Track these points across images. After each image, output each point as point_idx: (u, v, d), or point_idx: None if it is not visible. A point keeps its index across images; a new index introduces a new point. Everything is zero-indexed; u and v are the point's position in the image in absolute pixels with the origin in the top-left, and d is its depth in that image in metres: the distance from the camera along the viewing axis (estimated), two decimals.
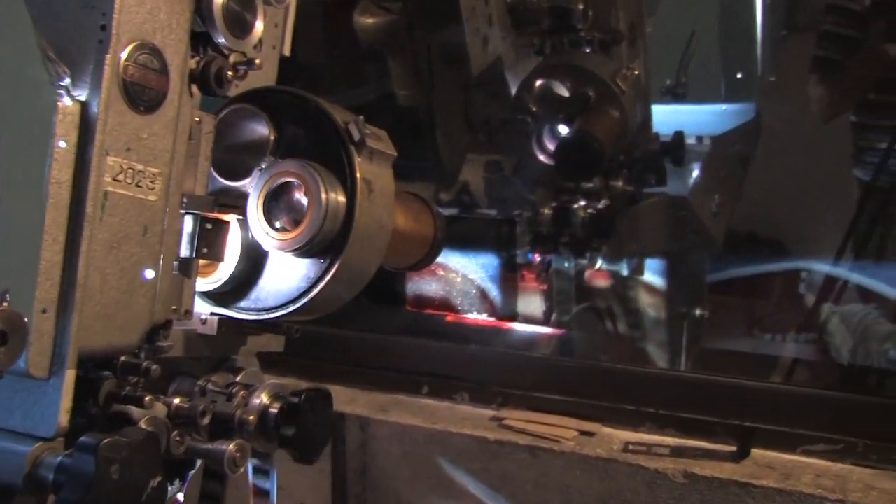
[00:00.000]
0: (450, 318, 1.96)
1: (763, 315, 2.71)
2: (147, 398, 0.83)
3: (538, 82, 1.88)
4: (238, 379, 1.00)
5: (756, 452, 1.48)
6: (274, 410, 0.94)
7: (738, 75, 2.87)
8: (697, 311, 2.47)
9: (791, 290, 2.72)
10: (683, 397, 1.60)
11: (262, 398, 0.95)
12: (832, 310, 2.40)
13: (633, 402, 1.61)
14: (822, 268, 2.54)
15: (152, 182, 0.85)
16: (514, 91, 1.95)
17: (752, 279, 2.71)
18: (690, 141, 2.35)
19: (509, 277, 1.95)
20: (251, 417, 0.93)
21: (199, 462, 0.97)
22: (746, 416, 1.54)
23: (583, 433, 1.56)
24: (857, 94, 2.33)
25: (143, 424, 0.84)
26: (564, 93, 1.87)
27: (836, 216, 2.50)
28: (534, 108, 1.90)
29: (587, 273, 2.20)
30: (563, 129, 1.87)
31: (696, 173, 2.38)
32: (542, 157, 1.92)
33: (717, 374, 1.69)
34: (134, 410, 0.84)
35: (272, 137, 0.99)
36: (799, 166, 2.63)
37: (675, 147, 2.10)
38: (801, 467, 1.44)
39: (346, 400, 1.72)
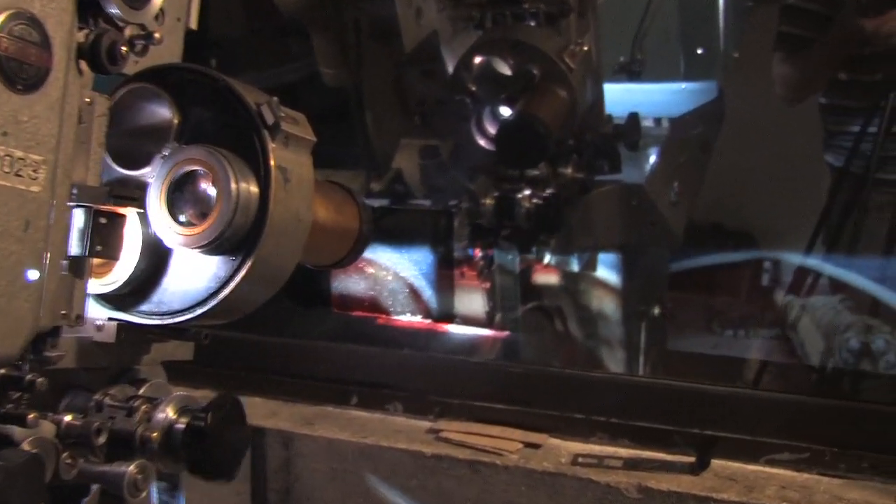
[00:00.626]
0: (381, 320, 1.97)
1: (728, 312, 2.78)
2: (31, 416, 0.82)
3: (477, 59, 1.89)
4: (141, 392, 1.00)
5: (716, 463, 1.51)
6: (181, 426, 0.94)
7: (699, 51, 2.92)
8: (656, 310, 2.52)
9: (758, 284, 2.79)
10: (638, 404, 1.63)
11: (167, 413, 0.95)
12: (800, 304, 2.47)
13: (583, 410, 1.64)
14: (792, 259, 2.61)
15: (35, 171, 0.84)
16: (450, 69, 1.96)
17: (716, 273, 2.78)
18: (646, 123, 2.39)
19: (447, 275, 1.96)
20: (154, 434, 0.93)
21: (94, 487, 0.96)
22: (706, 423, 1.57)
23: (528, 445, 1.58)
24: (826, 74, 2.39)
25: (25, 446, 0.83)
26: (506, 71, 1.89)
27: (807, 204, 2.57)
28: (473, 88, 1.91)
29: (534, 269, 2.22)
30: (506, 111, 1.88)
31: (652, 159, 2.42)
32: (482, 142, 1.93)
33: (676, 378, 1.73)
34: (16, 430, 0.83)
35: (176, 121, 0.98)
36: (766, 151, 2.69)
37: (630, 130, 2.13)
38: (764, 478, 1.47)
39: (267, 413, 1.71)
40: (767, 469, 1.51)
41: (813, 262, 2.51)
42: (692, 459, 1.52)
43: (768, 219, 2.77)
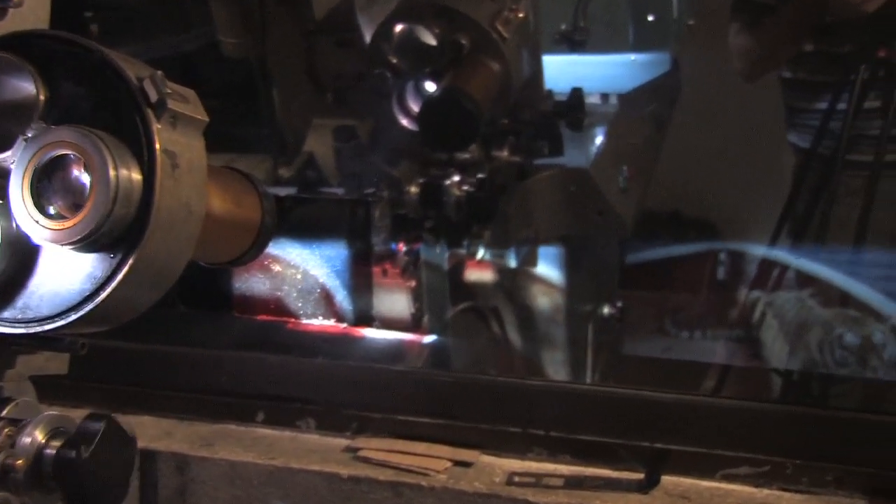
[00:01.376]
0: (290, 325, 1.97)
1: (685, 311, 2.83)
2: None
3: (398, 27, 1.90)
4: (4, 413, 0.98)
5: (668, 480, 1.55)
6: (51, 451, 0.93)
7: (650, 18, 2.96)
8: (605, 310, 2.55)
9: (718, 279, 2.84)
10: (581, 415, 1.66)
11: (35, 436, 0.94)
12: (765, 300, 2.53)
13: (520, 423, 1.66)
14: (756, 252, 2.67)
15: None
16: (368, 39, 1.96)
17: (672, 268, 2.82)
18: (592, 100, 2.42)
19: (365, 273, 1.96)
20: (20, 462, 0.92)
21: None
22: (657, 436, 1.61)
23: (457, 463, 1.60)
24: (789, 46, 2.45)
25: None
26: (431, 41, 1.89)
27: (771, 190, 2.63)
28: (393, 61, 1.92)
29: (465, 266, 2.23)
30: (431, 87, 1.89)
31: (599, 140, 2.44)
32: (405, 122, 1.94)
33: (625, 385, 1.77)
34: None
35: (41, 97, 0.97)
36: (726, 130, 2.74)
37: (573, 107, 2.15)
38: (720, 495, 1.51)
39: (158, 434, 1.70)
40: (724, 485, 1.55)
41: (779, 254, 2.58)
42: (641, 476, 1.56)
43: (729, 206, 2.82)
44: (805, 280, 2.51)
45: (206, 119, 1.02)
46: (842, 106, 2.38)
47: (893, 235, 2.43)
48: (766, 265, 2.64)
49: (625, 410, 1.67)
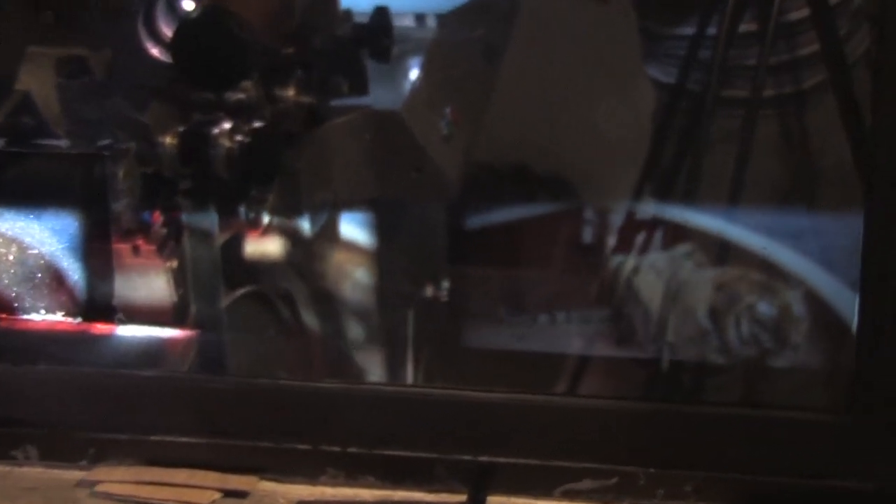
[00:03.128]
0: (1, 321, 1.92)
1: (535, 289, 2.86)
2: None
3: None
4: None
5: (495, 501, 1.59)
6: None
7: None
8: (431, 291, 2.57)
9: (576, 248, 2.89)
10: (389, 426, 1.69)
11: None
12: (632, 265, 2.60)
13: (311, 438, 1.68)
14: (619, 209, 2.73)
15: None
16: None
17: (516, 236, 2.85)
18: (404, 22, 2.43)
19: (105, 250, 1.92)
20: None
21: None
22: (483, 447, 1.64)
23: (229, 494, 1.61)
24: None
25: None
26: None
27: (633, 134, 2.68)
28: None
29: (245, 239, 2.21)
30: (187, 4, 1.87)
31: (414, 74, 2.45)
32: (155, 51, 1.91)
33: (444, 385, 1.79)
34: None
35: None
36: (575, 61, 2.78)
37: (378, 32, 2.16)
38: None
39: None
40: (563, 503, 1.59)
41: (649, 210, 2.65)
42: (462, 498, 1.59)
43: (582, 155, 2.87)
44: (685, 238, 2.58)
45: None
46: (711, 31, 2.46)
47: (777, 186, 2.53)
48: (631, 224, 2.71)
49: (443, 417, 1.70)
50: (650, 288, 2.56)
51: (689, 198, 2.52)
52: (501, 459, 1.63)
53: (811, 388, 2.35)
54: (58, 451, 1.66)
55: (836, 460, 1.60)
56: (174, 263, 2.01)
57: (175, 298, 2.01)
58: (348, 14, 2.17)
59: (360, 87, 2.18)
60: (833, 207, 2.46)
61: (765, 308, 2.37)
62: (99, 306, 1.94)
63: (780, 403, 1.83)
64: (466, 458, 1.64)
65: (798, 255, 2.46)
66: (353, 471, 1.65)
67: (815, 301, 2.40)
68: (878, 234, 1.50)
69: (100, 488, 1.59)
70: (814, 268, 2.45)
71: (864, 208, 1.51)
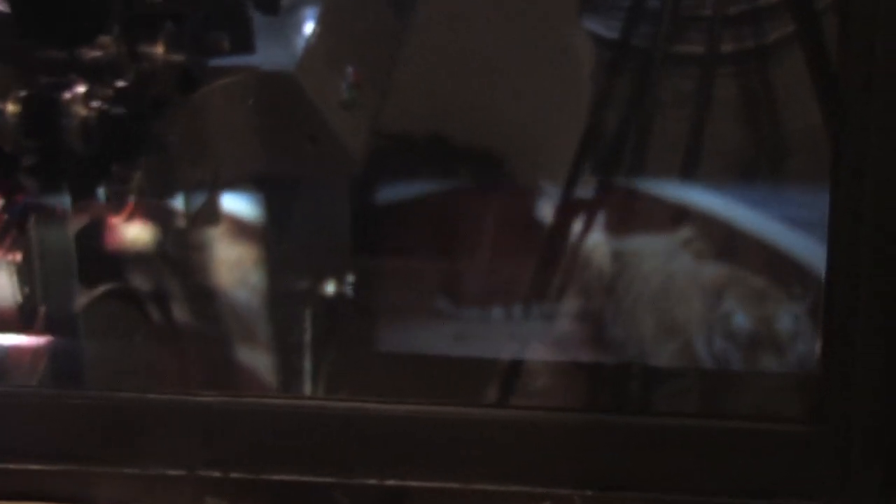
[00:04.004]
0: None
1: (472, 279, 2.86)
2: None
3: None
4: None
5: None
6: None
7: None
8: (333, 286, 2.56)
9: (525, 227, 2.88)
10: (279, 445, 1.68)
11: None
12: (611, 250, 2.59)
13: (185, 461, 1.66)
14: (558, 185, 2.72)
15: None
16: None
17: (445, 216, 2.84)
18: None
19: None
20: None
21: None
22: (390, 468, 1.64)
23: None
24: None
25: None
26: None
27: (574, 97, 2.68)
28: None
29: (106, 226, 2.19)
30: None
31: (308, 28, 2.43)
32: None
33: (343, 398, 1.78)
34: None
35: None
36: (499, 11, 2.77)
37: None
38: None
39: None
40: None
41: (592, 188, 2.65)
42: None
43: (510, 123, 2.86)
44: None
45: None
46: None
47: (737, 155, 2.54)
48: (579, 204, 2.70)
49: (345, 434, 1.69)
50: (627, 280, 2.56)
51: (636, 170, 2.52)
52: (413, 483, 1.63)
53: (774, 395, 2.36)
54: None
55: (802, 476, 1.61)
56: (18, 257, 2.00)
57: (19, 299, 1.99)
58: None
59: (245, 44, 2.16)
60: (800, 180, 2.48)
61: (741, 321, 2.36)
62: None
63: (739, 413, 1.86)
64: (371, 482, 1.64)
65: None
66: (237, 499, 1.64)
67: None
68: (846, 216, 1.51)
69: None
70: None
71: (831, 187, 1.52)
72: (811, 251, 2.38)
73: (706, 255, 2.49)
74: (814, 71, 2.29)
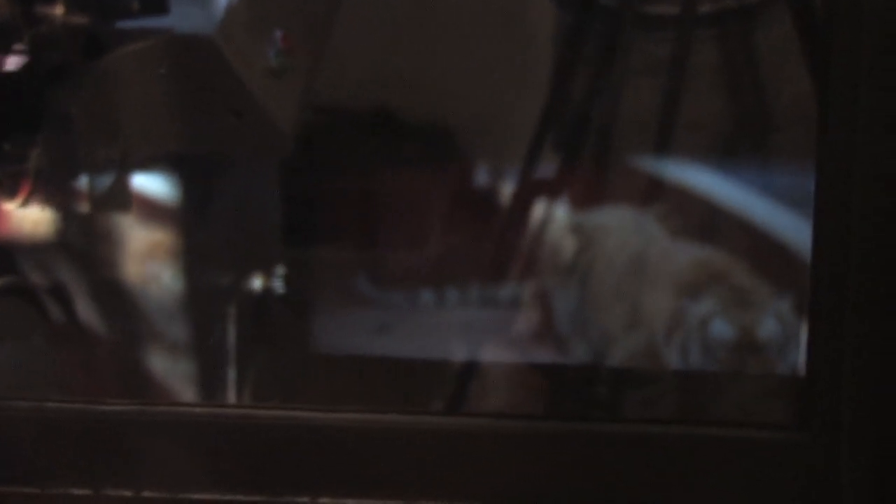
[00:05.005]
0: None
1: (404, 266, 2.87)
2: None
3: None
4: None
5: None
6: None
7: None
8: (260, 281, 2.57)
9: (470, 207, 2.89)
10: (197, 460, 1.72)
11: None
12: (570, 225, 2.62)
13: (90, 480, 1.70)
14: (516, 163, 2.75)
15: None
16: None
17: (383, 199, 2.86)
18: None
19: None
20: None
21: None
22: (323, 486, 1.68)
23: None
24: None
25: None
26: None
27: (530, 63, 2.70)
28: None
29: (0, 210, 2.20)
30: None
31: None
32: None
33: (274, 404, 1.79)
34: None
35: None
36: None
37: None
38: None
39: None
40: None
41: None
42: None
43: (461, 92, 2.88)
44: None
45: None
46: None
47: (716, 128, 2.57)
48: (527, 184, 2.73)
49: (272, 446, 1.72)
50: (589, 260, 2.57)
51: (602, 144, 2.54)
52: (349, 501, 1.66)
53: (756, 400, 2.38)
54: None
55: (786, 487, 1.65)
56: None
57: None
58: None
59: (156, 4, 2.18)
60: (788, 157, 2.51)
61: (721, 328, 2.37)
62: None
63: (717, 419, 1.87)
64: (302, 500, 1.66)
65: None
66: None
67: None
68: (834, 206, 1.54)
69: None
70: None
71: (817, 174, 1.55)
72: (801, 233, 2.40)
73: (685, 233, 2.51)
74: (802, 33, 2.33)
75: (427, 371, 2.60)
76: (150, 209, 2.41)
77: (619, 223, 2.58)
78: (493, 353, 2.66)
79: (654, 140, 2.54)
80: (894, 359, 1.57)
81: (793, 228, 2.45)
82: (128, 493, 1.66)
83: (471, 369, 2.63)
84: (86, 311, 2.33)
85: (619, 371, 2.48)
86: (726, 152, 2.59)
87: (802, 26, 2.31)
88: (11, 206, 2.18)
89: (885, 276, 1.55)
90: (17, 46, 2.01)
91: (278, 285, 2.54)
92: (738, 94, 2.58)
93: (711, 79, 2.56)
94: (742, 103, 2.58)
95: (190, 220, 2.46)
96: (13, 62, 2.01)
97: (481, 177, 2.86)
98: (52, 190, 2.21)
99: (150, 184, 2.40)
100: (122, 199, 2.35)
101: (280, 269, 2.57)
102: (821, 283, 1.58)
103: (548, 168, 2.70)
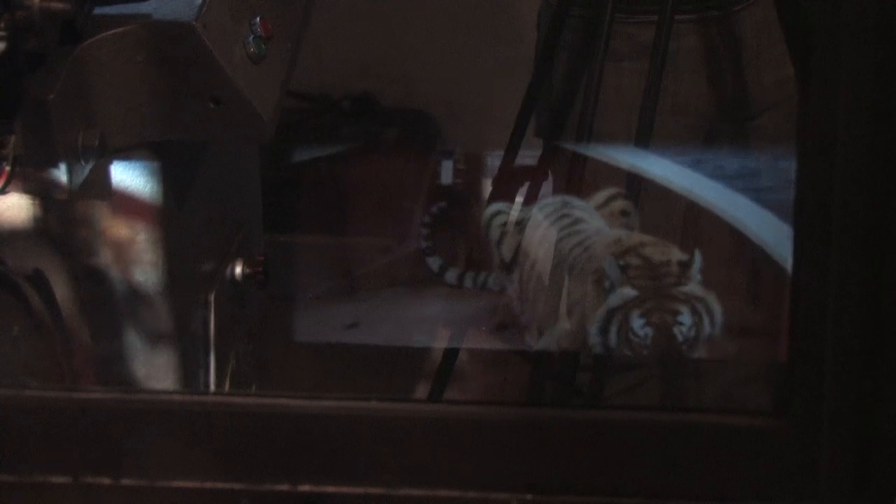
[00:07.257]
0: None
1: (381, 254, 2.88)
2: None
3: None
4: None
5: None
6: None
7: None
8: (238, 269, 2.57)
9: (440, 196, 2.90)
10: (176, 448, 1.71)
11: None
12: (504, 218, 2.62)
13: (69, 467, 1.67)
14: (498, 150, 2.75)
15: None
16: None
17: (360, 188, 2.87)
18: None
19: None
20: None
21: None
22: (303, 473, 1.66)
23: None
24: None
25: None
26: None
27: (510, 53, 2.71)
28: None
29: None
30: None
31: None
32: None
33: (251, 392, 1.79)
34: None
35: None
36: None
37: None
38: None
39: None
40: None
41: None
42: None
43: (443, 78, 2.89)
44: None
45: None
46: None
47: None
48: (509, 167, 2.74)
49: (252, 433, 1.71)
50: (543, 250, 2.57)
51: (585, 132, 2.54)
52: (329, 488, 1.65)
53: (736, 387, 2.39)
54: None
55: (766, 474, 1.65)
56: None
57: None
58: None
59: None
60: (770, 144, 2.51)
61: (638, 325, 2.35)
62: None
63: (697, 406, 1.87)
64: (282, 487, 1.65)
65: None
66: None
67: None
68: (815, 192, 1.53)
69: None
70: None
71: (798, 163, 1.55)
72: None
73: (631, 218, 2.52)
74: (785, 18, 2.32)
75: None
76: (133, 196, 2.41)
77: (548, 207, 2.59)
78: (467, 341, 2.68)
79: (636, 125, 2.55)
80: (875, 345, 1.57)
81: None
82: (107, 481, 1.65)
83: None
84: (64, 298, 2.33)
85: (598, 358, 2.48)
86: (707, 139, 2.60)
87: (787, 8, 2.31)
88: None
89: (866, 261, 1.54)
90: None
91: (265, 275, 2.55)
92: (721, 80, 2.59)
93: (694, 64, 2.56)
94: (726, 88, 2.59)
95: (169, 208, 2.46)
96: None
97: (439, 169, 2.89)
98: (31, 177, 2.20)
99: (130, 171, 2.38)
100: (103, 186, 2.34)
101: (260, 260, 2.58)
102: (802, 269, 1.58)
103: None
